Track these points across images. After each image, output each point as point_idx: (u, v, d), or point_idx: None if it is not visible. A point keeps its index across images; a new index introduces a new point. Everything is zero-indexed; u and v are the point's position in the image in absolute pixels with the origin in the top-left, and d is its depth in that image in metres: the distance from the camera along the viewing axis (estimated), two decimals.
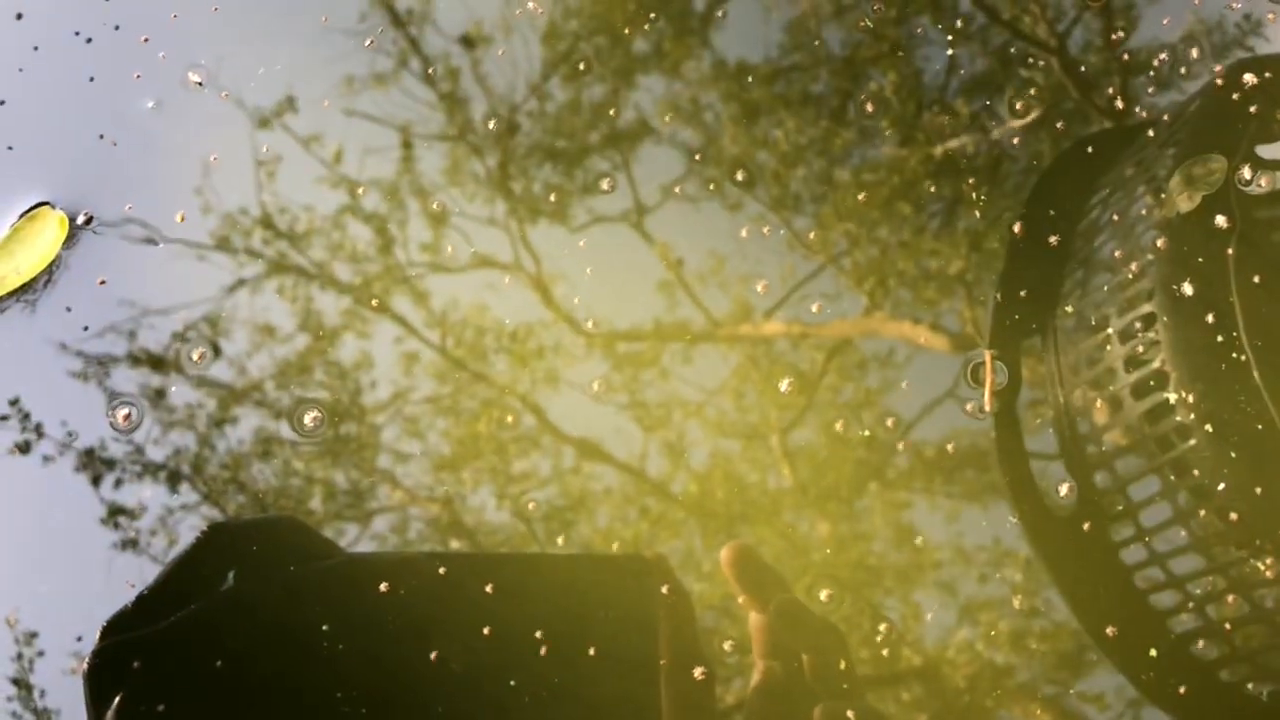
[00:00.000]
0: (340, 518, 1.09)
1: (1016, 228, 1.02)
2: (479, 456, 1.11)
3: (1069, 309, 0.96)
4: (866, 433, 1.12)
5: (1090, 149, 1.05)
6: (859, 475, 1.12)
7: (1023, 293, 1.02)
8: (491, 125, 1.18)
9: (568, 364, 1.14)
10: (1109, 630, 0.92)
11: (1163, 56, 1.18)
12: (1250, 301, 0.78)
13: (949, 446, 1.11)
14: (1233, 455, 0.78)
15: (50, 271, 1.08)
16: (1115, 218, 0.92)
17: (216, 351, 1.12)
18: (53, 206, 1.11)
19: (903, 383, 1.14)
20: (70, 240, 1.10)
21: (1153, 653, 0.93)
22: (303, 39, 1.18)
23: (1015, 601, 1.08)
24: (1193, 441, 0.81)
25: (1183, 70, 1.18)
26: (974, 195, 1.15)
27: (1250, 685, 0.88)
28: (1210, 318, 0.80)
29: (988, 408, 0.98)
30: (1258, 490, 0.75)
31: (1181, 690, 0.91)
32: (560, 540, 1.10)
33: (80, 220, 1.12)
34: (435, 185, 1.18)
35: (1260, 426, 0.76)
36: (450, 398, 1.13)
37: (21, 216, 1.10)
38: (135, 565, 1.06)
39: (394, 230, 1.16)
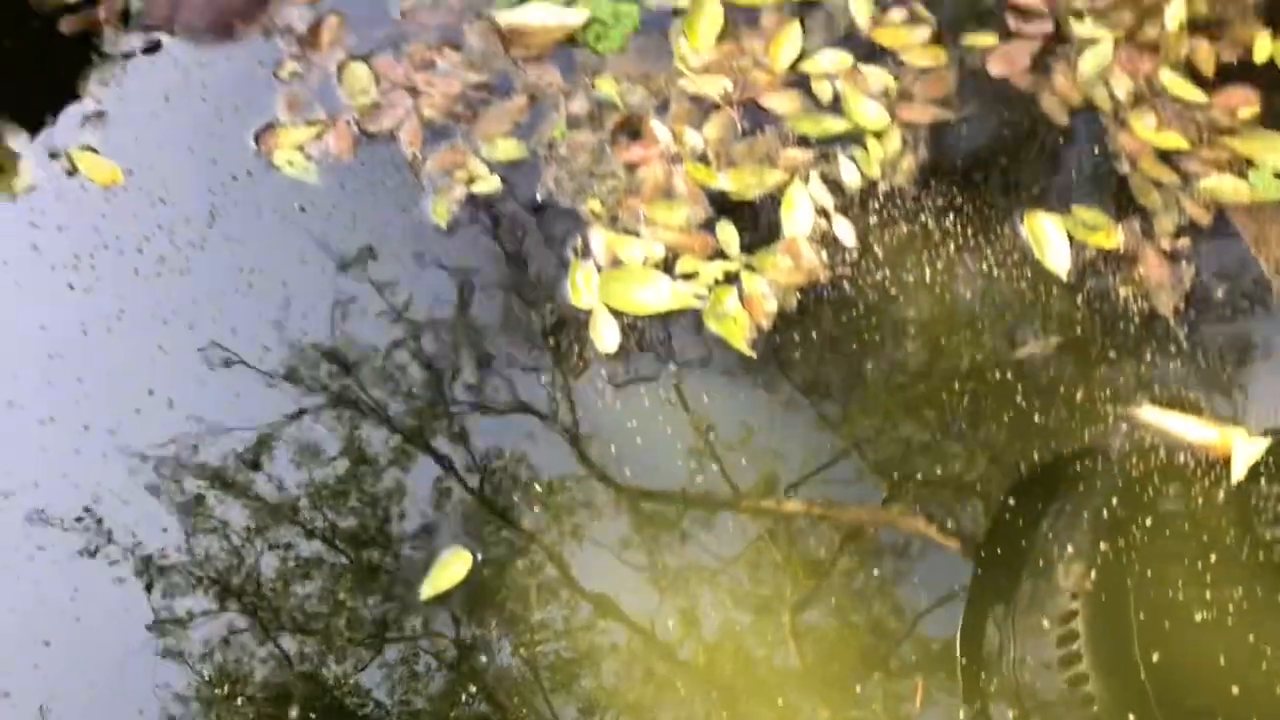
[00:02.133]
0: (361, 644, 1.16)
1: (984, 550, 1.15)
2: (501, 602, 1.17)
3: (1023, 605, 1.13)
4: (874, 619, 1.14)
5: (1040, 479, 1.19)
6: (864, 662, 1.14)
7: (992, 603, 1.15)
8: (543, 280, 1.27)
9: (594, 518, 1.20)
10: None
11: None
12: (1143, 612, 1.08)
13: (955, 644, 1.13)
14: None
15: None
16: (1054, 544, 1.14)
17: (261, 469, 1.21)
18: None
19: (914, 576, 1.16)
20: None
21: None
22: (382, 193, 1.28)
23: None
24: (1095, 708, 1.07)
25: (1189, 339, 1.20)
26: (997, 410, 1.18)
27: None
28: (1115, 623, 1.07)
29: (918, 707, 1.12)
30: None
31: None
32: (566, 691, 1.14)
33: None
34: (488, 332, 1.26)
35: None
36: (478, 540, 1.19)
37: None
38: (174, 673, 1.14)
39: (444, 370, 1.24)
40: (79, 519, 1.18)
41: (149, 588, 1.17)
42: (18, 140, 1.25)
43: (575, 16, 1.32)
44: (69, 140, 1.27)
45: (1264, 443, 1.13)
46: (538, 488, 1.20)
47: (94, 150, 1.26)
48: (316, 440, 1.22)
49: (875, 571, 1.17)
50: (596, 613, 1.17)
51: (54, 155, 1.27)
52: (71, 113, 1.28)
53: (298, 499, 1.20)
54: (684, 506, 1.20)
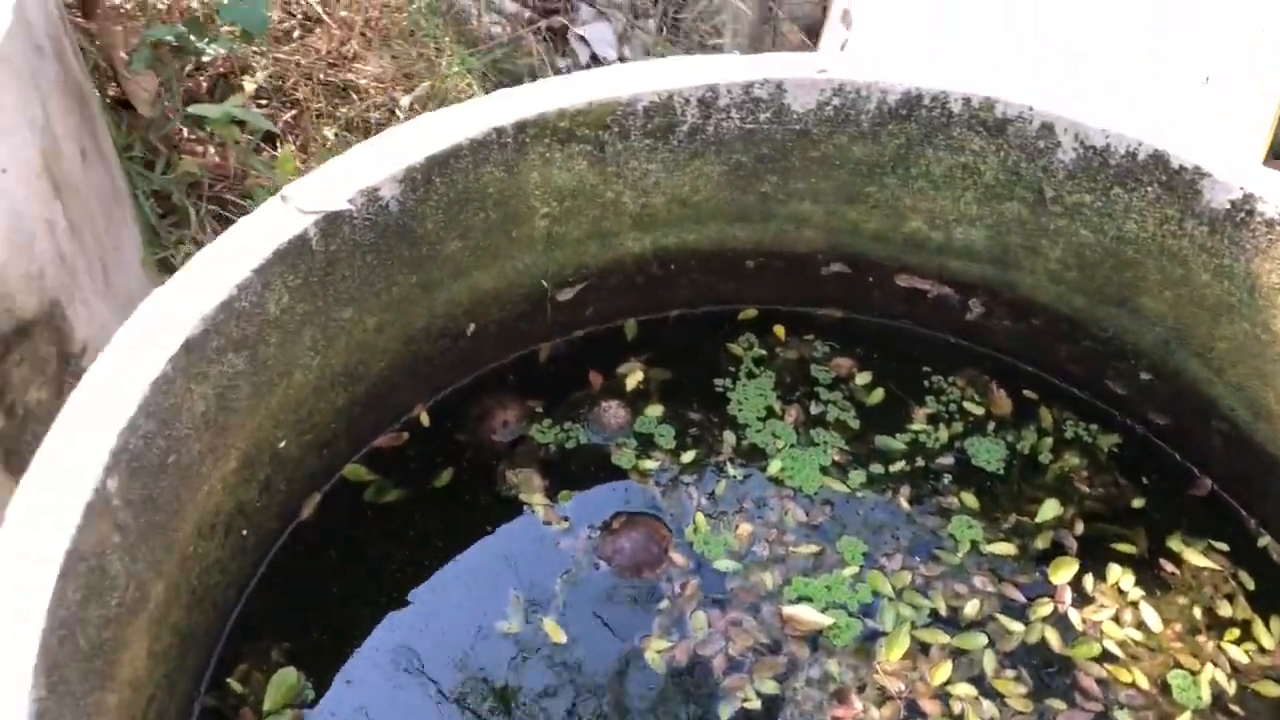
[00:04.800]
0: None
1: None
2: None
3: None
4: None
5: None
6: None
7: None
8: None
9: None
10: None
11: None
12: None
13: None
14: None
15: None
16: None
17: None
18: None
19: None
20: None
21: None
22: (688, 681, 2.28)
23: None
24: None
25: None
26: None
27: None
28: None
29: None
30: None
31: None
32: None
33: None
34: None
35: None
36: None
37: None
38: None
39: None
40: None
41: None
42: (518, 604, 2.35)
43: (825, 620, 2.35)
44: (545, 610, 2.37)
45: None
46: None
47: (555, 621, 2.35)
48: None
49: None
50: None
51: (534, 609, 2.36)
52: (547, 594, 2.39)
53: None
54: None
